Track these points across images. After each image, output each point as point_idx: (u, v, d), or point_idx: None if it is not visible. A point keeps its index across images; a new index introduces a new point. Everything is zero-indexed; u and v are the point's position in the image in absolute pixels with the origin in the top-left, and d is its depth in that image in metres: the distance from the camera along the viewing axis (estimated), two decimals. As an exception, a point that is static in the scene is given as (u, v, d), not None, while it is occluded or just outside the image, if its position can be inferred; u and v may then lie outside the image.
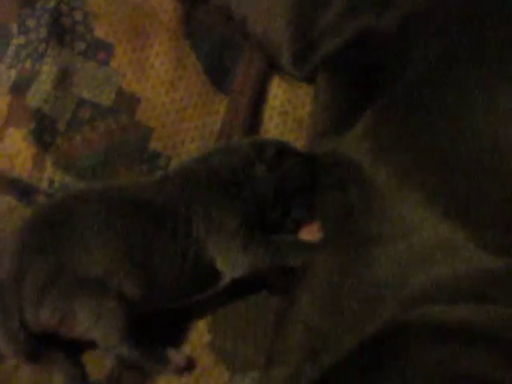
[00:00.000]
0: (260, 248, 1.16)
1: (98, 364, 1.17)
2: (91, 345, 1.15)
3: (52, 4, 1.42)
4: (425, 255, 1.05)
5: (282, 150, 1.24)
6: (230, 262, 1.17)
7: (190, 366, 1.18)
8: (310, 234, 1.21)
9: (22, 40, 1.40)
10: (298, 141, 1.38)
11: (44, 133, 1.33)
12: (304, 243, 1.19)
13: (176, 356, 1.16)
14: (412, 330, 0.95)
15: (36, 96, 1.36)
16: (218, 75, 1.46)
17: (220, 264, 1.17)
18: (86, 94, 1.38)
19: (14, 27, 1.41)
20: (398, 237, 1.08)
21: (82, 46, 1.42)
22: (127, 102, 1.39)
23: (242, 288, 1.23)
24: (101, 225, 1.13)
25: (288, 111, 1.45)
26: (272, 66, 1.47)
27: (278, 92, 1.46)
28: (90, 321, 1.10)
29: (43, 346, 1.12)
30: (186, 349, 1.20)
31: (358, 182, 1.15)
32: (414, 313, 0.98)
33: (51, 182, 1.31)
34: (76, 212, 1.14)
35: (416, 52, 1.20)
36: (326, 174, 1.24)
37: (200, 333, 1.22)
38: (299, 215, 1.23)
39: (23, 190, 1.29)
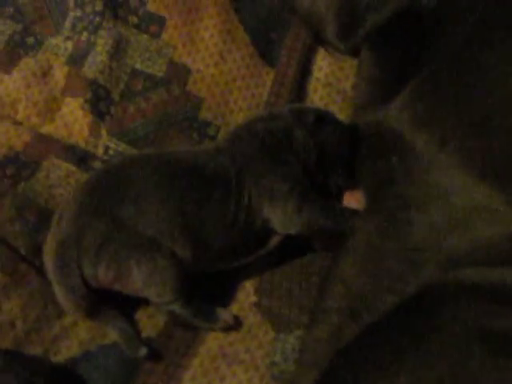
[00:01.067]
0: (314, 208, 1.20)
1: (150, 321, 1.21)
2: (144, 302, 1.19)
3: (107, -21, 1.44)
4: (462, 219, 1.06)
5: (322, 118, 1.28)
6: (286, 222, 1.20)
7: (236, 324, 1.22)
8: (353, 201, 1.24)
9: (78, 13, 1.43)
10: (342, 112, 1.41)
11: (99, 102, 1.37)
12: (350, 209, 1.22)
13: (224, 314, 1.20)
14: (449, 291, 0.96)
15: (92, 67, 1.39)
16: (265, 48, 1.49)
17: (275, 225, 1.21)
18: (139, 65, 1.42)
19: (71, 1, 1.44)
20: (436, 201, 1.09)
21: (135, 19, 1.45)
22: (178, 73, 1.43)
23: (287, 251, 1.27)
24: (154, 187, 1.17)
25: (332, 83, 1.48)
26: (317, 40, 1.49)
27: (322, 64, 1.49)
28: (144, 278, 1.14)
29: (100, 302, 1.17)
30: (234, 308, 1.24)
31: (398, 149, 1.17)
32: (452, 274, 1.00)
33: (106, 149, 1.35)
34: (131, 175, 1.19)
35: (452, 27, 1.21)
36: (368, 143, 1.27)
37: (247, 293, 1.26)
38: (340, 181, 1.27)
39: (80, 157, 1.33)
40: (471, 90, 1.13)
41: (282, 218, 1.20)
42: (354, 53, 1.44)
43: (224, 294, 1.26)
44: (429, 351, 0.89)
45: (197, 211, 1.18)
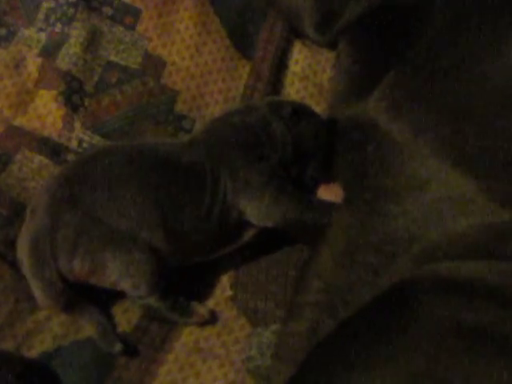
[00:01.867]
0: (291, 201, 1.21)
1: (125, 316, 1.22)
2: (119, 297, 1.20)
3: (80, -31, 1.43)
4: (437, 209, 1.07)
5: (299, 111, 1.29)
6: (262, 215, 1.21)
7: (212, 319, 1.22)
8: (329, 194, 1.25)
9: (51, 4, 1.42)
10: (319, 105, 1.42)
11: (73, 94, 1.37)
12: (327, 202, 1.24)
13: (200, 309, 1.21)
14: (424, 285, 0.96)
15: (65, 59, 1.39)
16: (241, 40, 1.49)
17: (251, 218, 1.22)
18: (113, 57, 1.42)
19: None
20: (411, 191, 1.10)
21: (109, 10, 1.44)
22: (153, 65, 1.43)
23: (263, 245, 1.28)
24: (128, 179, 1.18)
25: (309, 76, 1.49)
26: (293, 32, 1.50)
27: (299, 57, 1.50)
28: (119, 271, 1.14)
29: (76, 297, 1.17)
30: (210, 303, 1.25)
31: (374, 140, 1.19)
32: (426, 268, 1.01)
33: (80, 142, 1.35)
34: (104, 167, 1.18)
35: (428, 19, 1.23)
36: (346, 136, 1.28)
37: (223, 287, 1.27)
38: (315, 173, 1.28)
39: (53, 149, 1.33)
40: (446, 80, 1.15)
41: (258, 211, 1.21)
42: (332, 46, 1.45)
43: (200, 288, 1.27)
44: (404, 346, 0.90)
45: (172, 203, 1.18)
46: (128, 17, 1.46)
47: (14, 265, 1.20)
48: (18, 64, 1.40)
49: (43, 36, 1.42)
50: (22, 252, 1.17)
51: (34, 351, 1.18)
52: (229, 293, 1.27)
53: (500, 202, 1.03)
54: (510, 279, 0.93)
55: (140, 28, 1.45)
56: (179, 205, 1.19)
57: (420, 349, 0.88)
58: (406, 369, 0.87)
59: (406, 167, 1.12)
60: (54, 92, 1.37)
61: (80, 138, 1.35)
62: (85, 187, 1.17)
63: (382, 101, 1.21)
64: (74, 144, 1.35)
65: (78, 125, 1.36)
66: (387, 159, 1.15)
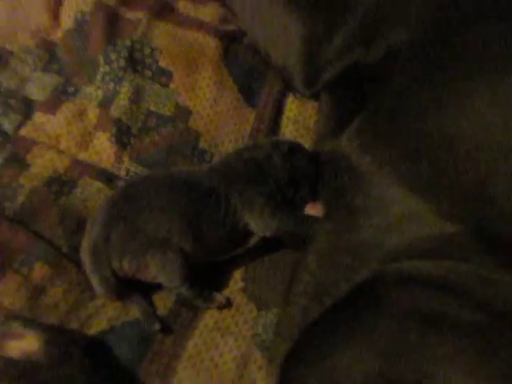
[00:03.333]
0: (284, 216, 1.21)
1: (161, 302, 1.21)
2: (157, 287, 1.19)
3: (128, 42, 1.44)
4: (397, 223, 1.06)
5: (293, 147, 1.29)
6: (262, 226, 1.21)
7: (228, 304, 1.22)
8: (314, 210, 1.24)
9: (106, 68, 1.43)
10: (307, 143, 1.40)
11: (122, 136, 1.37)
12: (311, 216, 1.23)
13: (218, 297, 1.20)
14: (390, 279, 0.96)
15: (117, 109, 1.39)
16: (248, 94, 1.48)
17: (254, 228, 1.22)
18: (152, 107, 1.41)
19: (101, 59, 1.44)
20: (377, 209, 1.09)
21: (149, 73, 1.44)
22: (182, 113, 1.42)
23: (266, 248, 1.28)
24: (163, 199, 1.17)
25: (299, 121, 1.46)
26: (287, 87, 1.49)
27: (292, 106, 1.48)
28: (158, 268, 1.15)
29: (125, 288, 1.17)
30: (226, 292, 1.23)
31: (348, 170, 1.17)
32: (392, 266, 1.00)
33: (128, 171, 1.35)
34: (146, 190, 1.19)
35: (393, 75, 1.20)
36: (327, 167, 1.26)
37: (235, 280, 1.25)
38: (305, 195, 1.26)
39: (108, 177, 1.33)
40: (404, 125, 1.13)
41: (259, 223, 1.21)
42: (316, 96, 1.43)
43: (218, 281, 1.25)
44: (372, 329, 0.89)
45: (196, 216, 1.18)
46: (163, 77, 1.45)
47: (79, 264, 1.20)
48: (82, 113, 1.41)
49: (100, 92, 1.43)
50: (84, 255, 1.18)
51: (93, 330, 1.16)
52: (240, 284, 1.26)
53: (445, 218, 1.02)
54: (454, 274, 0.93)
55: (172, 86, 1.45)
56: (201, 218, 1.19)
57: (387, 331, 0.88)
58: (375, 348, 0.87)
59: (373, 191, 1.10)
60: (108, 134, 1.37)
61: (128, 168, 1.36)
62: (131, 205, 1.17)
63: (352, 140, 1.19)
64: (123, 173, 1.35)
65: (126, 158, 1.36)
66: (358, 185, 1.13)
